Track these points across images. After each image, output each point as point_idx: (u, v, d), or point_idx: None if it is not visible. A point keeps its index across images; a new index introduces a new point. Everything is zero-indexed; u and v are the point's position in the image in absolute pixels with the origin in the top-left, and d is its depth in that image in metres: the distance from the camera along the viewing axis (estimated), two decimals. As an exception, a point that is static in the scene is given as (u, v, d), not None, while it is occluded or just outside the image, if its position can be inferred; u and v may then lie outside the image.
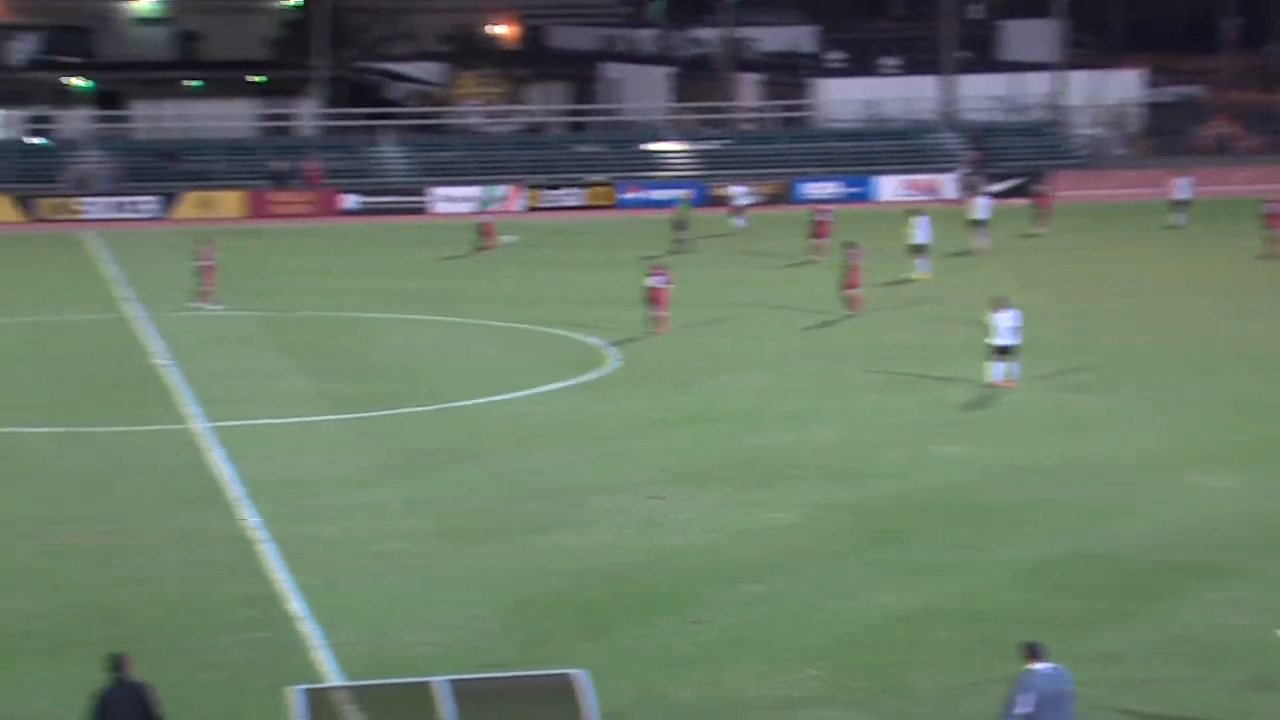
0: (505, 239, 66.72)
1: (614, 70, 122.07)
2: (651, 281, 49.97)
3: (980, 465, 35.99)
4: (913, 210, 62.55)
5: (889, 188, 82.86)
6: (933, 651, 25.61)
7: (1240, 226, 67.16)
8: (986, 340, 42.50)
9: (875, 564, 29.92)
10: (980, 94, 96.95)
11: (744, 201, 72.46)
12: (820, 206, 67.57)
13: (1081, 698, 23.74)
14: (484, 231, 67.38)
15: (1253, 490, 33.90)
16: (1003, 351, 42.18)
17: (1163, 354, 46.99)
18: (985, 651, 25.30)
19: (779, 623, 27.20)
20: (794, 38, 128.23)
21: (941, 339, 48.66)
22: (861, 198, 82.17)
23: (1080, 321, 51.87)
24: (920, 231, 59.60)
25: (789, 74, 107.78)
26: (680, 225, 67.17)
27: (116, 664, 19.94)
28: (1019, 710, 19.96)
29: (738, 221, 71.53)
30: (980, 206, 65.40)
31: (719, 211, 73.77)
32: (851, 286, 52.09)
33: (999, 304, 42.40)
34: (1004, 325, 42.13)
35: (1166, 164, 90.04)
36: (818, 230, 63.80)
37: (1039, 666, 20.32)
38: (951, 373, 44.03)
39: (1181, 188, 70.43)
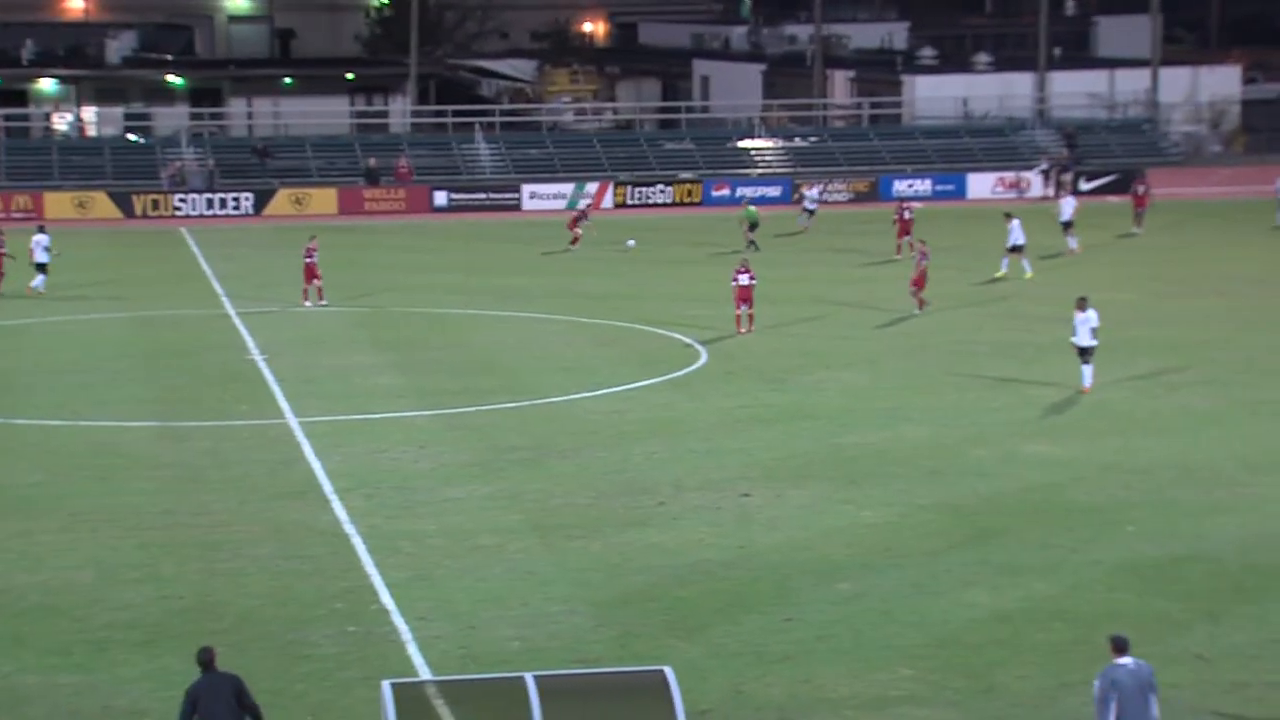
0: (627, 243, 66.44)
1: (704, 67, 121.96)
2: (737, 280, 49.88)
3: (1071, 465, 35.79)
4: (1008, 212, 62.12)
5: (982, 186, 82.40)
6: (1026, 652, 25.49)
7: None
8: (1071, 340, 42.27)
9: (967, 563, 29.81)
10: (1074, 91, 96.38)
11: (811, 206, 71.71)
12: (905, 203, 67.27)
13: (1174, 700, 23.66)
14: (573, 226, 67.31)
15: (1350, 491, 33.64)
16: (1083, 352, 41.81)
17: (1259, 354, 46.55)
18: (1079, 652, 25.15)
19: (870, 621, 27.15)
20: (886, 34, 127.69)
21: (1031, 337, 48.41)
22: (953, 195, 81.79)
23: (1175, 321, 51.54)
24: (1014, 233, 59.22)
25: (880, 70, 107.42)
26: (752, 226, 67.25)
27: (205, 658, 20.09)
28: (1108, 713, 20.00)
29: (801, 220, 71.12)
30: (1065, 208, 64.57)
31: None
32: (917, 285, 51.89)
33: (1081, 304, 42.05)
34: (1084, 326, 41.73)
35: (1264, 161, 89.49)
36: (902, 228, 63.56)
37: (1122, 660, 20.33)
38: (1040, 372, 43.83)
39: None
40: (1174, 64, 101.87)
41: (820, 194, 72.57)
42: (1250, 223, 72.17)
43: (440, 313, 54.87)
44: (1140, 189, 70.54)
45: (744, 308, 49.70)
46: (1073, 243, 63.61)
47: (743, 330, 49.51)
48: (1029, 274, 58.68)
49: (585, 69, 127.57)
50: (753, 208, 69.79)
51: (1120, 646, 20.44)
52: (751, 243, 66.25)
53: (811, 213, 70.27)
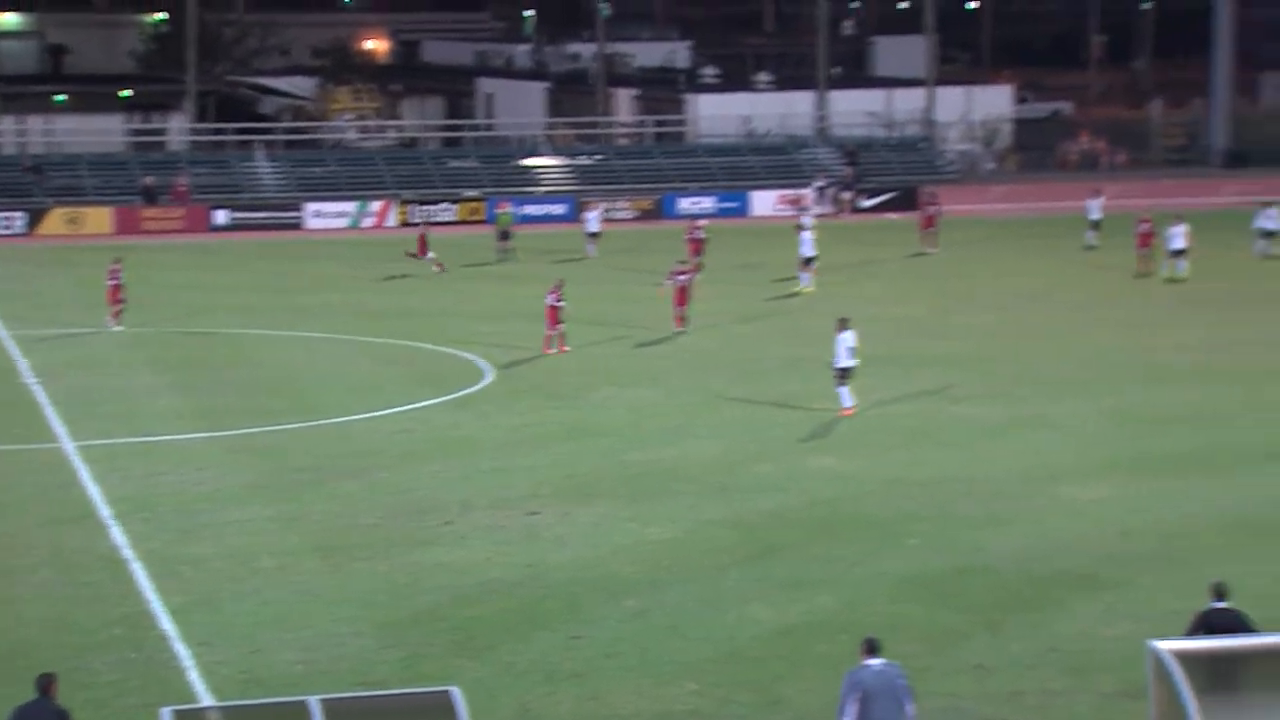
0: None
1: (488, 85, 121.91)
2: (547, 300, 49.66)
3: (856, 479, 36.16)
4: (800, 225, 62.66)
5: (764, 203, 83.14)
6: (810, 665, 25.68)
7: (1116, 242, 67.81)
8: (830, 363, 41.72)
9: (753, 578, 29.99)
10: (853, 109, 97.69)
11: (594, 229, 70.10)
12: (695, 222, 67.62)
13: (955, 710, 24.04)
14: (422, 252, 65.60)
15: (1128, 502, 34.24)
16: (842, 374, 41.33)
17: (1036, 368, 47.37)
18: (863, 664, 25.39)
19: (658, 637, 27.21)
20: (669, 53, 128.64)
21: (815, 352, 48.67)
22: (737, 212, 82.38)
23: (956, 336, 52.27)
24: (805, 245, 59.98)
25: (664, 89, 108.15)
26: (504, 235, 68.75)
27: (44, 685, 19.60)
28: (848, 714, 20.54)
29: (589, 249, 69.47)
30: (805, 242, 61.36)
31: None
32: (679, 303, 51.87)
33: (841, 325, 41.48)
34: (843, 346, 41.16)
35: (1036, 179, 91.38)
36: (692, 247, 63.82)
37: (870, 662, 20.82)
38: (825, 387, 44.09)
39: (1092, 209, 70.04)
40: (949, 83, 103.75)
41: (601, 216, 72.04)
42: (1028, 239, 73.48)
43: (224, 333, 54.19)
44: (929, 209, 71.10)
45: (556, 329, 49.47)
46: (805, 278, 62.57)
47: (550, 350, 49.29)
48: (810, 288, 59.25)
49: (367, 87, 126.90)
50: (507, 214, 70.71)
51: (870, 648, 20.99)
52: (505, 251, 67.51)
53: (595, 235, 69.57)
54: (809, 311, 55.42)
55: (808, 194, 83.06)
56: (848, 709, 20.65)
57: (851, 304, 53.78)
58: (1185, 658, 20.38)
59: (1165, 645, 20.63)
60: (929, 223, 69.79)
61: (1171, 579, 29.01)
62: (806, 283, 59.95)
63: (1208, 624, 22.80)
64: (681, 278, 52.47)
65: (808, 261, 60.16)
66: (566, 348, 49.22)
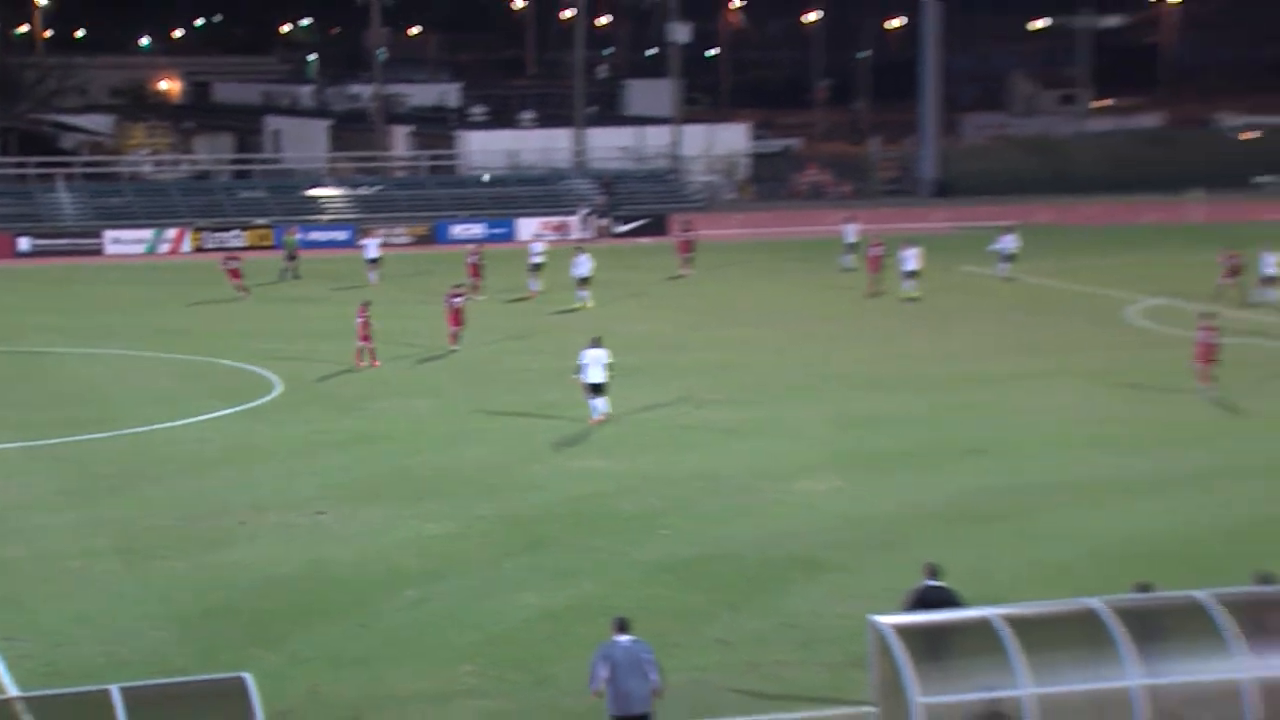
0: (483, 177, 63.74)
1: (275, 122, 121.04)
2: (357, 319, 49.20)
3: (615, 477, 36.32)
4: (578, 248, 62.84)
5: (530, 228, 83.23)
6: (573, 645, 25.76)
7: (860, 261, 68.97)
8: (579, 377, 41.34)
9: (523, 568, 30.03)
10: (608, 145, 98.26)
11: (374, 255, 67.95)
12: (473, 247, 67.49)
13: (700, 681, 24.27)
14: (236, 276, 64.16)
15: (850, 495, 34.82)
16: (595, 388, 41.11)
17: (776, 377, 47.86)
18: (621, 643, 25.55)
19: (436, 624, 27.14)
20: (441, 94, 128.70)
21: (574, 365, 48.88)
22: (504, 237, 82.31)
23: (703, 348, 52.62)
24: (581, 265, 60.25)
25: (437, 126, 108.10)
26: (290, 257, 69.50)
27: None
28: (598, 681, 21.22)
29: (371, 276, 67.12)
30: (580, 264, 61.42)
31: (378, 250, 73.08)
32: (455, 323, 51.54)
33: (594, 342, 41.47)
34: (596, 362, 40.99)
35: (770, 207, 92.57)
36: (471, 270, 63.54)
37: (620, 638, 21.32)
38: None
39: (848, 233, 70.36)
40: (693, 122, 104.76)
41: (379, 243, 70.91)
42: (773, 262, 74.01)
43: (31, 351, 52.89)
44: (686, 235, 70.64)
45: (366, 344, 48.95)
46: (534, 285, 62.85)
47: (362, 364, 48.69)
48: (588, 304, 59.48)
49: (161, 124, 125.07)
50: (293, 237, 71.68)
51: (620, 626, 21.59)
52: (289, 270, 67.34)
53: (375, 261, 68.34)
54: (574, 328, 55.45)
55: (574, 220, 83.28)
56: (596, 676, 21.25)
57: (614, 321, 54.35)
58: (902, 630, 20.81)
59: (884, 619, 21.05)
60: (686, 247, 69.99)
61: (889, 561, 29.53)
62: (585, 299, 60.14)
63: (921, 600, 23.28)
64: (457, 300, 52.25)
65: (584, 281, 60.42)
66: (378, 362, 48.75)
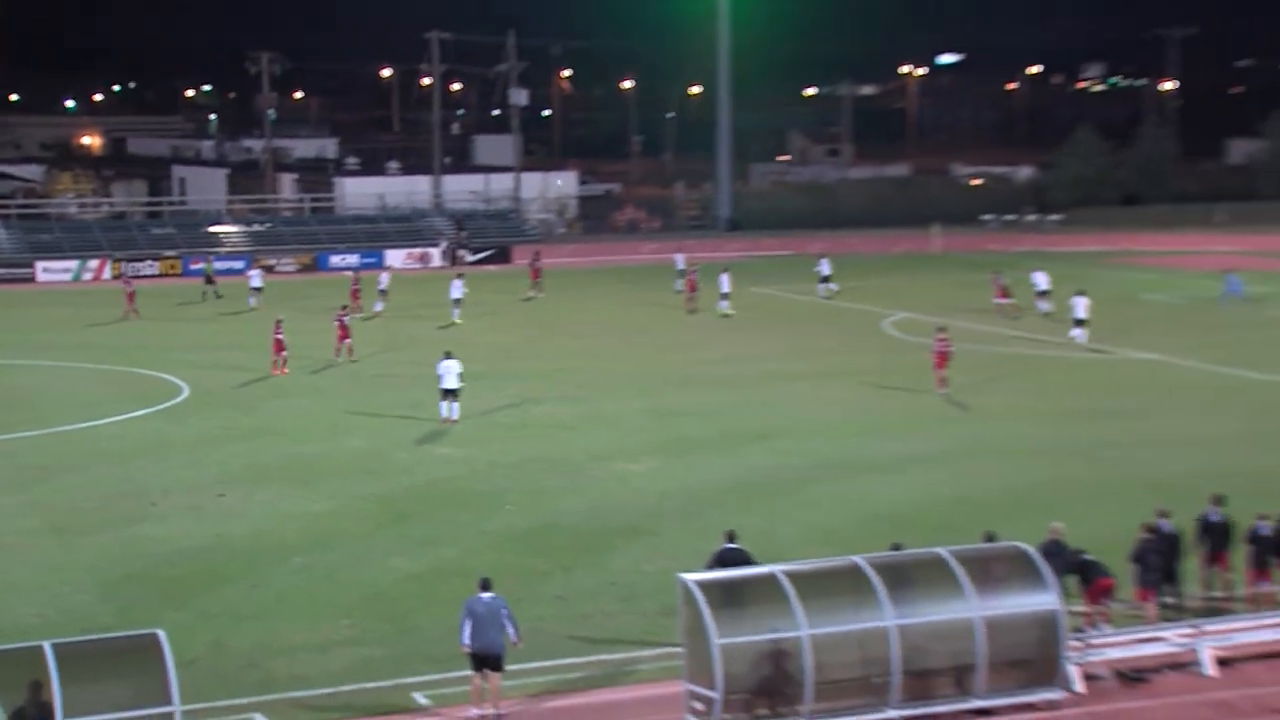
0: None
1: (182, 171, 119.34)
2: (276, 334, 48.25)
3: (468, 462, 36.09)
4: (458, 274, 62.24)
5: (396, 258, 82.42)
6: (435, 601, 25.58)
7: (663, 284, 69.06)
8: (439, 385, 40.34)
9: (393, 538, 29.72)
10: (461, 189, 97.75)
11: (257, 284, 65.35)
12: (355, 274, 66.74)
13: (542, 630, 24.17)
14: (130, 301, 62.38)
15: (663, 473, 34.90)
16: (449, 393, 40.20)
17: (602, 378, 47.84)
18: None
19: (318, 586, 26.76)
20: (321, 147, 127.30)
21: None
22: (375, 265, 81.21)
23: (541, 356, 52.43)
24: (455, 289, 59.66)
25: (318, 174, 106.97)
26: (209, 280, 68.91)
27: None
28: (466, 632, 21.11)
29: (251, 300, 64.58)
30: (454, 288, 60.74)
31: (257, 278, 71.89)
32: (343, 338, 50.46)
33: (446, 355, 40.84)
34: (450, 372, 40.18)
35: (596, 240, 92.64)
36: (352, 294, 62.57)
37: (482, 595, 21.25)
38: (463, 393, 43.95)
39: (679, 260, 68.56)
40: (531, 170, 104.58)
41: (262, 274, 68.76)
42: (607, 285, 73.85)
43: (-30, 363, 51.30)
44: (536, 263, 69.30)
45: (281, 355, 47.89)
46: (456, 312, 60.79)
47: (277, 372, 47.57)
48: (459, 321, 58.97)
49: (84, 172, 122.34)
50: (211, 265, 71.96)
51: (482, 585, 21.51)
52: (210, 291, 66.22)
53: (259, 290, 66.34)
54: (446, 341, 55.00)
55: (438, 251, 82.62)
56: (464, 627, 21.14)
57: (474, 334, 53.97)
58: (704, 584, 20.90)
59: (690, 576, 21.12)
60: (536, 274, 69.14)
61: (695, 527, 29.67)
62: (457, 316, 59.49)
63: (721, 559, 23.40)
64: (346, 318, 51.43)
65: (457, 301, 59.80)
66: (286, 370, 47.81)
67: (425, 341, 54.24)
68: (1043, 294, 59.26)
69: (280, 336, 48.14)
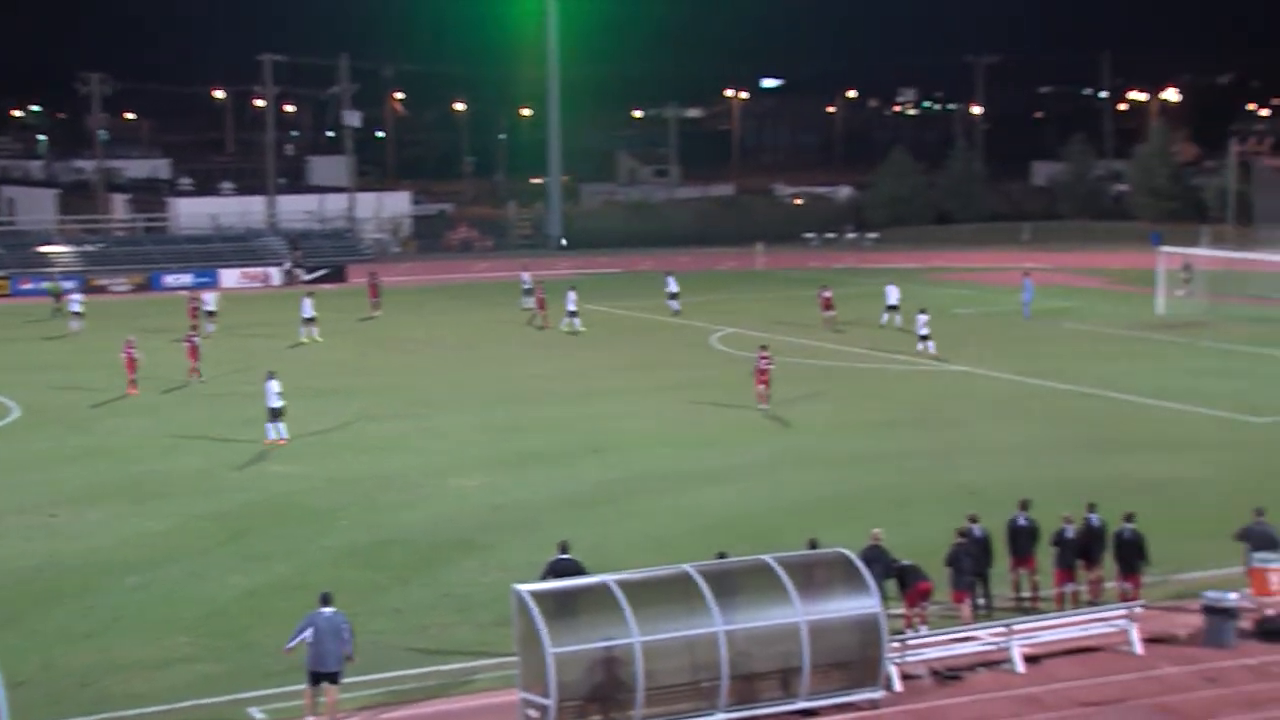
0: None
1: (10, 191, 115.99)
2: (123, 353, 46.89)
3: (305, 479, 35.62)
4: (309, 293, 60.78)
5: (231, 278, 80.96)
6: (273, 617, 25.21)
7: (496, 301, 68.63)
8: (267, 405, 39.17)
9: (230, 555, 29.23)
10: (296, 209, 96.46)
11: (76, 309, 62.15)
12: (193, 293, 65.34)
13: (380, 642, 23.98)
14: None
15: (496, 487, 34.84)
16: (274, 413, 39.17)
17: (436, 393, 47.51)
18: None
19: (155, 604, 26.22)
20: (154, 167, 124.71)
21: (315, 383, 47.47)
22: (209, 285, 79.64)
23: (380, 372, 51.89)
24: (306, 308, 58.32)
25: (151, 194, 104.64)
26: (57, 297, 67.55)
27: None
28: (296, 640, 21.09)
29: (73, 324, 61.30)
30: (305, 306, 59.17)
31: (94, 297, 70.18)
32: (192, 356, 49.48)
33: (269, 375, 39.91)
34: (272, 392, 39.08)
35: (429, 258, 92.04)
36: (191, 312, 61.19)
37: (324, 609, 21.13)
38: (298, 411, 43.18)
39: (525, 279, 67.48)
40: (365, 190, 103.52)
41: (82, 299, 65.92)
42: (433, 302, 73.21)
43: None
44: (374, 282, 67.44)
45: (131, 373, 46.63)
46: (311, 330, 58.91)
47: (132, 391, 46.31)
48: (311, 340, 57.80)
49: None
50: (57, 284, 70.44)
51: (323, 600, 21.43)
52: (59, 310, 64.11)
53: (79, 314, 61.86)
54: (294, 359, 53.91)
55: (277, 271, 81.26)
56: (297, 636, 21.11)
57: (310, 352, 53.15)
58: (537, 595, 20.92)
59: (524, 587, 21.12)
60: (374, 293, 67.24)
61: (529, 540, 29.64)
62: (311, 335, 58.07)
63: (554, 570, 23.45)
64: (196, 339, 50.16)
65: (309, 320, 58.35)
66: (136, 390, 46.41)
67: (274, 360, 53.16)
68: (892, 308, 60.46)
69: (132, 354, 46.92)
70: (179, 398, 46.65)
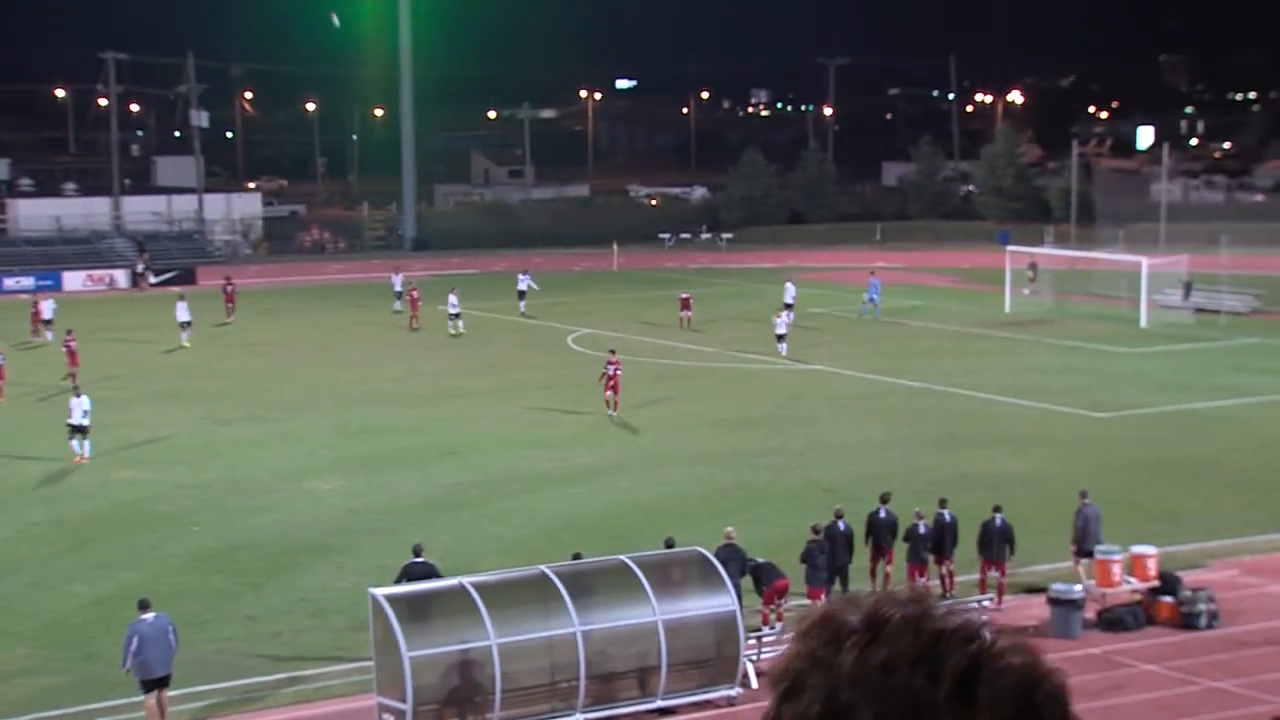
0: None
1: None
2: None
3: (152, 485, 34.87)
4: (180, 295, 58.82)
5: (75, 280, 78.97)
6: (119, 625, 24.44)
7: (349, 303, 67.67)
8: (67, 421, 37.29)
9: (73, 563, 28.49)
10: (143, 210, 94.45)
11: None
12: (38, 296, 63.39)
13: (231, 650, 23.52)
14: None
15: (351, 491, 34.44)
16: (78, 430, 36.79)
17: (288, 396, 46.79)
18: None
19: (-5, 616, 25.42)
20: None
21: (123, 392, 46.58)
22: (53, 288, 77.58)
23: (226, 376, 50.94)
24: (182, 311, 56.44)
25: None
26: None
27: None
28: (129, 655, 20.72)
29: None
30: (180, 310, 57.04)
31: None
32: (72, 365, 47.90)
33: (75, 391, 38.08)
34: (78, 409, 36.96)
35: (281, 260, 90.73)
36: (33, 317, 59.39)
37: (145, 615, 20.84)
38: (130, 418, 42.28)
39: (396, 282, 66.23)
40: (214, 191, 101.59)
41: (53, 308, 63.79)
42: (284, 304, 71.99)
43: None
44: (228, 287, 64.94)
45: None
46: (186, 335, 56.84)
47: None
48: (188, 345, 56.00)
49: None
50: None
51: (142, 605, 21.18)
52: None
53: None
54: (170, 367, 52.81)
55: (125, 275, 79.34)
56: (128, 654, 20.73)
57: (158, 355, 51.96)
58: (393, 599, 20.72)
59: (379, 590, 20.90)
60: (229, 299, 64.88)
61: (384, 543, 29.37)
62: (185, 340, 56.30)
63: (409, 573, 23.23)
64: (73, 344, 48.48)
65: (185, 324, 56.39)
66: (3, 398, 44.72)
67: (122, 364, 52.10)
68: (788, 306, 60.14)
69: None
70: (13, 405, 45.34)
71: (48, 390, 47.32)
